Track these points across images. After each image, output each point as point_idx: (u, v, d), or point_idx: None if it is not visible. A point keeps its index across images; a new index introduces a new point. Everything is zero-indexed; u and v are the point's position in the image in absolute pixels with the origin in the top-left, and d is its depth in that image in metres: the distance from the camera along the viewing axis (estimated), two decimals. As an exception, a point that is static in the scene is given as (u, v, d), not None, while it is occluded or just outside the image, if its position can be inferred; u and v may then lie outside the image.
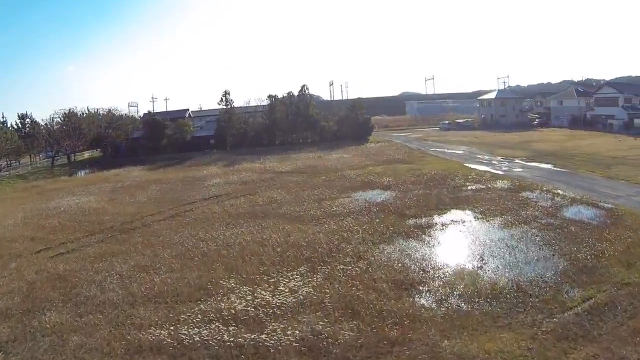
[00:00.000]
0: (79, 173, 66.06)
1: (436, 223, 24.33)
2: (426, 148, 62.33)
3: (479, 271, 17.72)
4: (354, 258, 19.19)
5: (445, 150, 59.67)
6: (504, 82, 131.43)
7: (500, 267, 18.10)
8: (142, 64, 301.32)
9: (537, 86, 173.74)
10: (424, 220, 24.97)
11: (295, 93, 79.22)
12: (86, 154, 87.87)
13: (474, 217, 25.26)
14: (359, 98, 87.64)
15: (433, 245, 20.80)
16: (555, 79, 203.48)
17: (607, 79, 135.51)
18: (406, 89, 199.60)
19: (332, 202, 30.36)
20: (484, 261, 18.71)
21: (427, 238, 21.88)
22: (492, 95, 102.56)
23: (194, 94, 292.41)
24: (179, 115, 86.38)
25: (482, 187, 33.68)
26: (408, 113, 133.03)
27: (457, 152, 57.32)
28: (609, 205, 27.18)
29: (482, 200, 29.23)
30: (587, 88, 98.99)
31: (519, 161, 47.62)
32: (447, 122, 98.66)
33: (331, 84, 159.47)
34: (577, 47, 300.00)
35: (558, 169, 41.93)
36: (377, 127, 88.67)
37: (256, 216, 28.01)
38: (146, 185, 44.36)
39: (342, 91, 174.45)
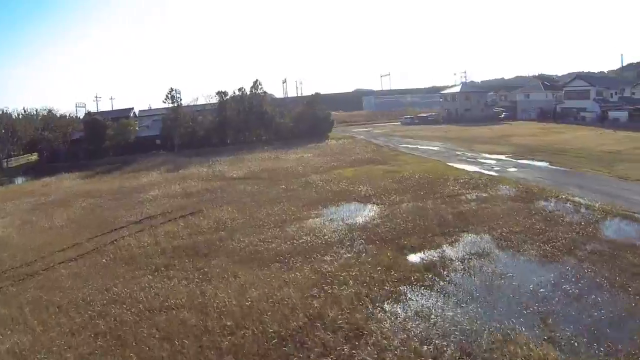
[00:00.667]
0: (14, 181, 58.75)
1: (451, 259, 17.87)
2: (395, 144, 56.55)
3: (554, 349, 11.43)
4: (352, 337, 12.31)
5: (418, 146, 54.11)
6: (465, 77, 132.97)
7: (580, 337, 11.94)
8: (90, 62, 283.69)
9: (492, 81, 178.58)
10: (432, 254, 18.45)
11: (247, 89, 74.46)
12: (22, 159, 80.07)
13: (498, 246, 19.09)
14: (317, 93, 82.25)
15: (462, 302, 14.26)
16: (508, 75, 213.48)
17: (560, 74, 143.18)
18: (360, 86, 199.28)
19: (299, 227, 23.44)
20: (550, 327, 12.48)
21: (448, 287, 15.35)
22: (457, 89, 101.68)
23: (143, 93, 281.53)
24: (122, 115, 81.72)
25: (484, 195, 27.82)
26: (365, 108, 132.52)
27: (432, 148, 51.86)
28: (648, 217, 22.19)
29: (494, 216, 23.27)
30: (550, 82, 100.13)
31: (507, 158, 42.58)
32: (408, 116, 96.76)
33: (284, 82, 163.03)
34: (529, 43, 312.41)
35: (557, 167, 37.05)
36: (335, 123, 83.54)
37: (197, 253, 20.70)
38: (72, 201, 36.45)
39: (297, 88, 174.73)
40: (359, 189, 30.93)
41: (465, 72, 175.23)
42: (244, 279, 16.83)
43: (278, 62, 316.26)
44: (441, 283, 15.60)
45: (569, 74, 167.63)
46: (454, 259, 17.75)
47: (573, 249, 18.38)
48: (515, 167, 37.43)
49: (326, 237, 21.16)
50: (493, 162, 40.99)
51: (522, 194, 27.53)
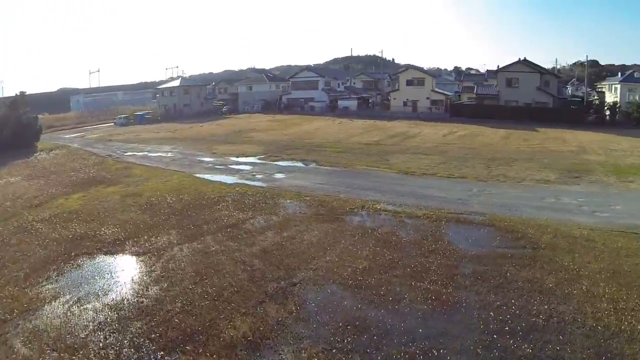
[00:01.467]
0: None
1: (327, 348, 11.49)
2: (119, 153, 46.37)
3: None
4: None
5: (148, 153, 45.65)
6: (183, 72, 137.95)
7: None
8: None
9: (200, 76, 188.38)
10: (288, 350, 11.75)
11: None
12: None
13: (365, 301, 13.65)
14: (22, 93, 65.56)
15: None
16: (216, 69, 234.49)
17: (267, 67, 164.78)
18: (66, 84, 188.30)
19: (32, 331, 12.97)
20: None
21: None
22: (176, 83, 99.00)
23: None
24: None
25: (275, 218, 22.30)
26: (73, 109, 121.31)
27: (165, 155, 44.17)
28: (478, 217, 21.54)
29: (314, 249, 18.08)
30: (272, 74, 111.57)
31: (262, 161, 38.89)
32: (123, 116, 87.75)
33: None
34: (236, 39, 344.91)
35: (328, 167, 35.19)
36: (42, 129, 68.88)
37: None
38: None
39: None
40: (101, 231, 21.41)
41: (178, 67, 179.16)
42: None
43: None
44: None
45: (275, 67, 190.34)
46: (331, 348, 11.57)
47: (454, 278, 15.16)
48: (281, 173, 33.33)
49: (90, 354, 12.05)
50: (248, 167, 36.27)
51: (321, 210, 23.20)
